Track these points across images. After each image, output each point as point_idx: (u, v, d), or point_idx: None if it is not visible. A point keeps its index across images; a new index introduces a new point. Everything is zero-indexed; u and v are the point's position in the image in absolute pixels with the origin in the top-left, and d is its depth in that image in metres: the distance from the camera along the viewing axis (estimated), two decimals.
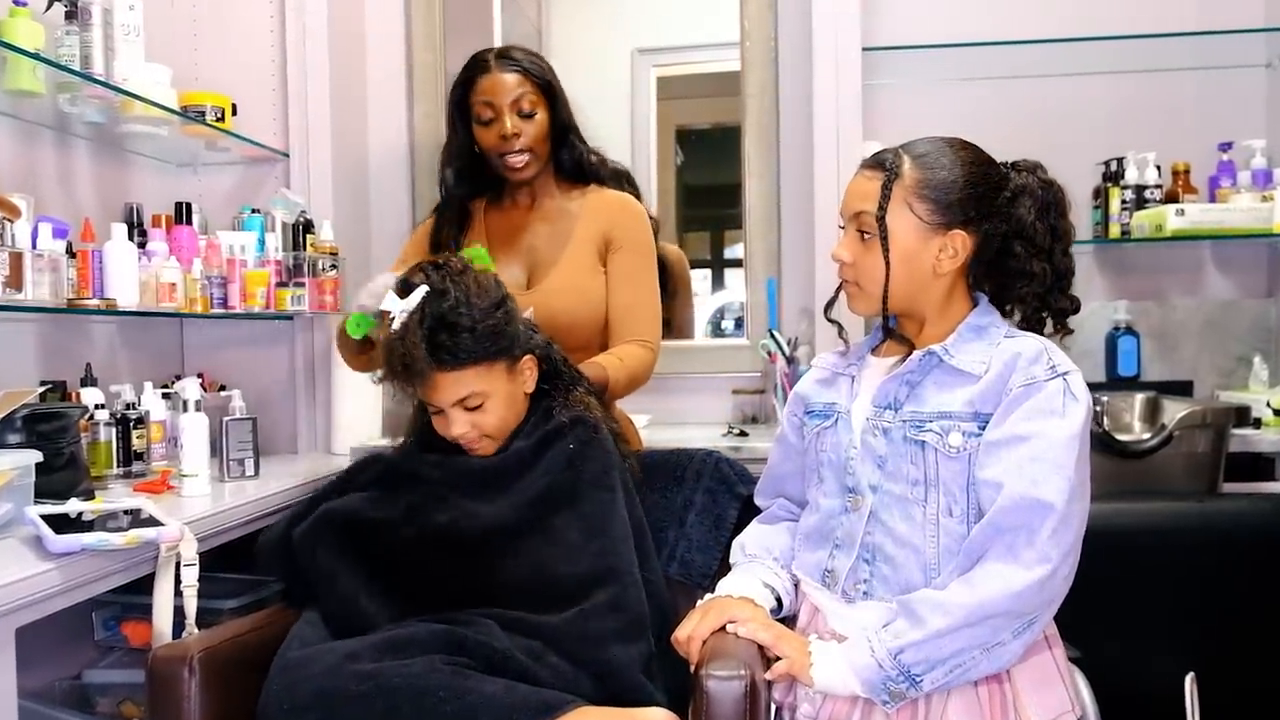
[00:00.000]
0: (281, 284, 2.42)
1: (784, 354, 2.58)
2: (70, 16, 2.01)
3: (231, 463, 2.12)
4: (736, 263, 2.94)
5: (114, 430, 2.06)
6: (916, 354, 1.42)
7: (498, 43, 2.98)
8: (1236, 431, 2.27)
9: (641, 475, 1.77)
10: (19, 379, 2.05)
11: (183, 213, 2.41)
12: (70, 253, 1.95)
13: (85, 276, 1.96)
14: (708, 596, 1.48)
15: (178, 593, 1.58)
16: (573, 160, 2.06)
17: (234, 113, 2.46)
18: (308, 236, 2.46)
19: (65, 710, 2.03)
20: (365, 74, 2.89)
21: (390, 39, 2.90)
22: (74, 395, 2.08)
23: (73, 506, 1.61)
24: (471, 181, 2.09)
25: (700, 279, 3.00)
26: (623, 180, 2.15)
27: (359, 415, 2.51)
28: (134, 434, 2.09)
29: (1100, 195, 2.71)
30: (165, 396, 2.24)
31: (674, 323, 2.86)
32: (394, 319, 1.59)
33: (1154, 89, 2.73)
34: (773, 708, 1.38)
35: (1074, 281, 1.48)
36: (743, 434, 2.50)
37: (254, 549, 1.70)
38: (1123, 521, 1.91)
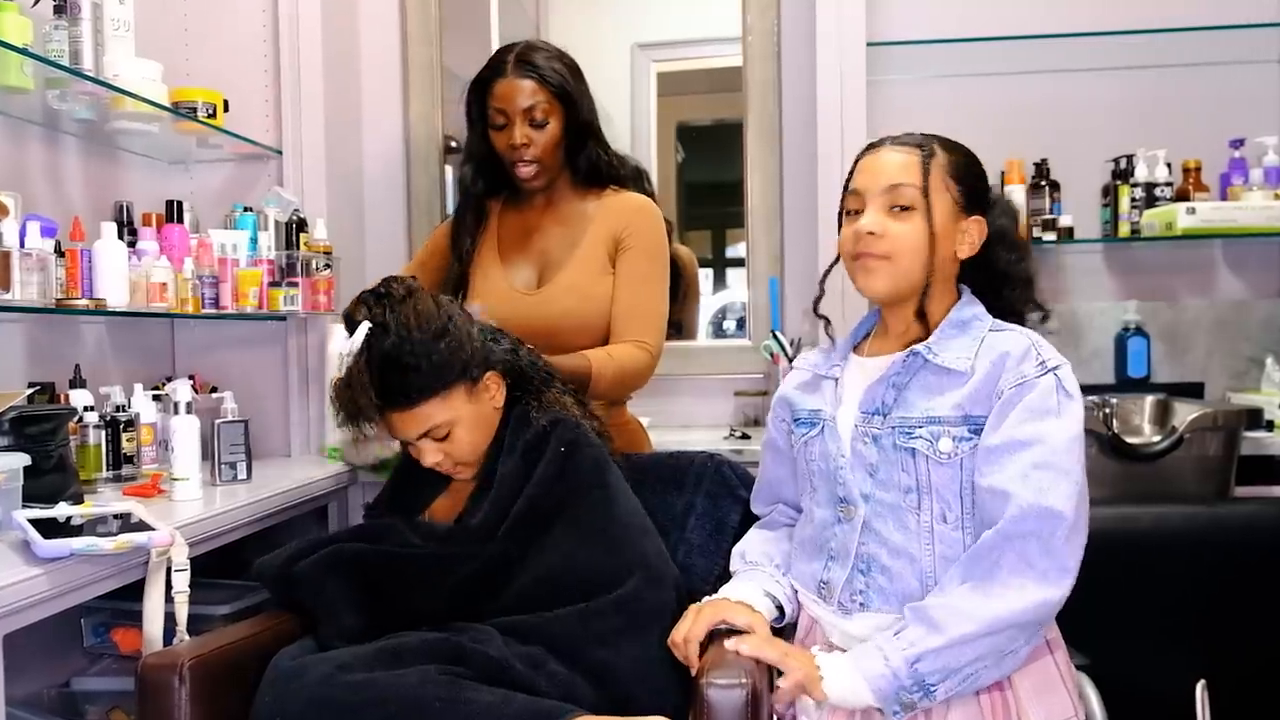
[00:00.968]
0: (274, 284, 2.42)
1: (787, 355, 2.58)
2: (59, 11, 2.01)
3: (223, 466, 2.12)
4: (739, 262, 2.94)
5: (103, 433, 2.06)
6: (899, 355, 1.41)
7: (495, 38, 2.98)
8: (1248, 434, 2.27)
9: (638, 477, 1.77)
10: (6, 381, 2.06)
11: (174, 211, 2.41)
12: (59, 252, 1.95)
13: (74, 276, 1.96)
14: (705, 600, 1.48)
15: (169, 599, 1.58)
16: (589, 164, 2.06)
17: (226, 109, 2.46)
18: (301, 235, 2.46)
19: (54, 719, 2.03)
20: (360, 70, 2.89)
21: (385, 34, 2.90)
22: (63, 397, 2.08)
23: (61, 510, 1.61)
24: (489, 180, 2.10)
25: (701, 278, 3.00)
26: (643, 180, 2.16)
27: None
28: (124, 436, 2.09)
29: (1109, 193, 2.71)
30: (156, 398, 2.24)
31: (684, 324, 2.87)
32: (342, 361, 1.60)
33: (1164, 85, 2.73)
34: (774, 718, 1.38)
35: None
36: (745, 436, 2.50)
37: (254, 573, 1.67)
38: (1133, 526, 1.91)
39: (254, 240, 2.42)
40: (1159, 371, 2.72)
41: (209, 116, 2.39)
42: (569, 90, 2.00)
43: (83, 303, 1.98)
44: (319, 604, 1.56)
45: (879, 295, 1.44)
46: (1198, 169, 2.64)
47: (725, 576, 1.60)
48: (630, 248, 2.01)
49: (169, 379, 2.46)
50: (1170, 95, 2.73)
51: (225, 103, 2.46)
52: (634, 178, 2.13)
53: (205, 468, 2.05)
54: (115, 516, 1.63)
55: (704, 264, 3.02)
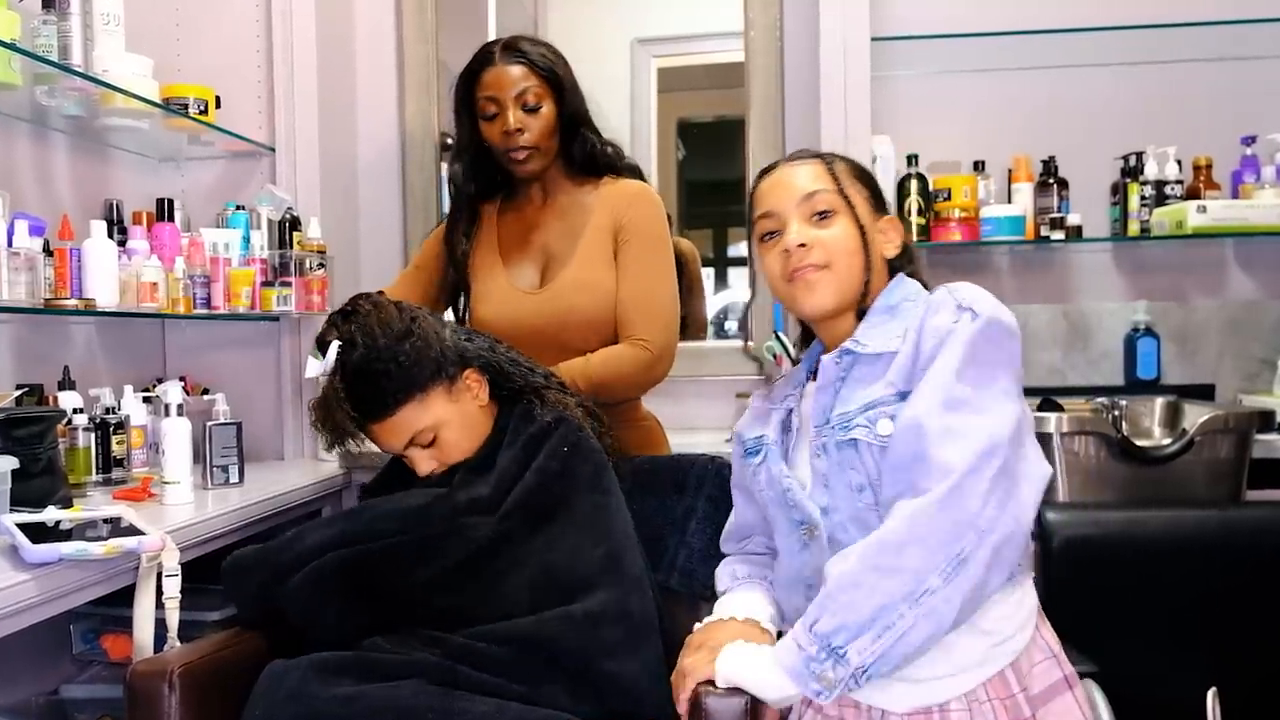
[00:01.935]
0: (267, 283, 2.42)
1: (789, 356, 2.58)
2: (48, 5, 2.01)
3: (215, 469, 2.12)
4: (741, 261, 2.94)
5: (93, 435, 2.06)
6: (829, 359, 1.39)
7: (493, 34, 2.98)
8: (1260, 437, 2.27)
9: (638, 480, 1.77)
10: None
11: (164, 209, 2.41)
12: (47, 251, 1.95)
13: (63, 275, 1.97)
14: (705, 620, 1.44)
15: (159, 605, 1.58)
16: (584, 153, 2.04)
17: (218, 105, 2.46)
18: (294, 234, 2.46)
19: None
20: (354, 65, 2.89)
21: (381, 29, 2.90)
22: (51, 399, 2.08)
23: (50, 515, 1.61)
24: (480, 179, 2.08)
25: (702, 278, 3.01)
26: (639, 175, 2.13)
27: None
28: (114, 439, 2.10)
29: (1118, 191, 2.71)
30: (146, 400, 2.24)
31: (690, 322, 2.85)
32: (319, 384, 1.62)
33: (1174, 80, 2.73)
34: None
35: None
36: None
37: (224, 570, 1.63)
38: (1142, 530, 1.91)
39: (246, 239, 2.42)
40: (1169, 373, 2.72)
41: (200, 113, 2.39)
42: (559, 74, 1.99)
43: (72, 303, 1.98)
44: (307, 620, 1.55)
45: (825, 308, 1.40)
46: (1208, 166, 2.64)
47: None
48: (629, 238, 1.99)
49: (160, 380, 2.47)
50: (1180, 91, 2.73)
51: (217, 99, 2.46)
52: (631, 170, 2.11)
53: (197, 471, 2.05)
54: (105, 521, 1.63)
55: (705, 263, 3.03)
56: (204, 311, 2.30)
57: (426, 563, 1.53)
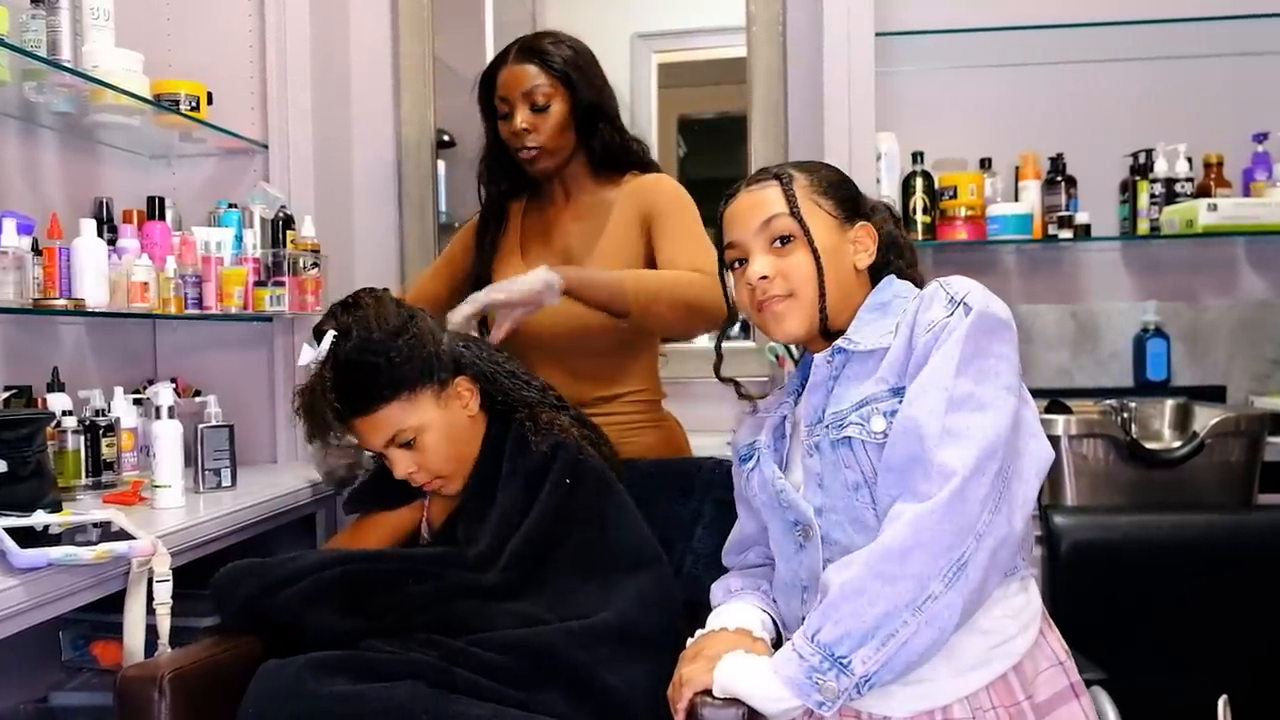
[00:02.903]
0: (260, 283, 2.42)
1: (792, 358, 2.57)
2: (36, 0, 2.01)
3: (207, 473, 2.12)
4: None
5: (82, 438, 2.06)
6: (820, 358, 1.40)
7: (490, 29, 2.99)
8: (1272, 440, 2.28)
9: (645, 485, 1.78)
10: None
11: (155, 207, 2.41)
12: (36, 250, 1.95)
13: (52, 275, 1.97)
14: (700, 633, 1.44)
15: (150, 610, 1.58)
16: (603, 148, 2.03)
17: (210, 102, 2.46)
18: (288, 233, 2.46)
19: None
20: (349, 61, 2.89)
21: (376, 24, 2.90)
22: (40, 401, 2.08)
23: (39, 519, 1.61)
24: (504, 179, 2.09)
25: None
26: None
27: None
28: (104, 442, 2.10)
29: (1128, 189, 2.71)
30: (137, 402, 2.24)
31: None
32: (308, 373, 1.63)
33: (1185, 76, 2.73)
34: None
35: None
36: None
37: (212, 585, 1.64)
38: (1152, 535, 1.91)
39: (239, 238, 2.42)
40: (1179, 374, 2.72)
41: (192, 109, 2.39)
42: (571, 73, 1.98)
43: (61, 303, 1.98)
44: (299, 624, 1.55)
45: (797, 336, 1.41)
46: (1219, 164, 2.65)
47: None
48: (658, 214, 1.98)
49: (150, 382, 2.47)
50: (1191, 87, 2.73)
51: (209, 95, 2.46)
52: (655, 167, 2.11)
53: (188, 474, 2.05)
54: (95, 525, 1.63)
55: None
56: (196, 312, 2.30)
57: (427, 594, 1.55)
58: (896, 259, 1.48)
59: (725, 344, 2.89)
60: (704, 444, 2.11)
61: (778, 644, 1.42)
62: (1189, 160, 2.64)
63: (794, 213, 1.38)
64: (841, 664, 1.20)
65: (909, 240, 1.52)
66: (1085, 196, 2.70)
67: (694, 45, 3.12)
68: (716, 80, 3.08)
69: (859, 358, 1.37)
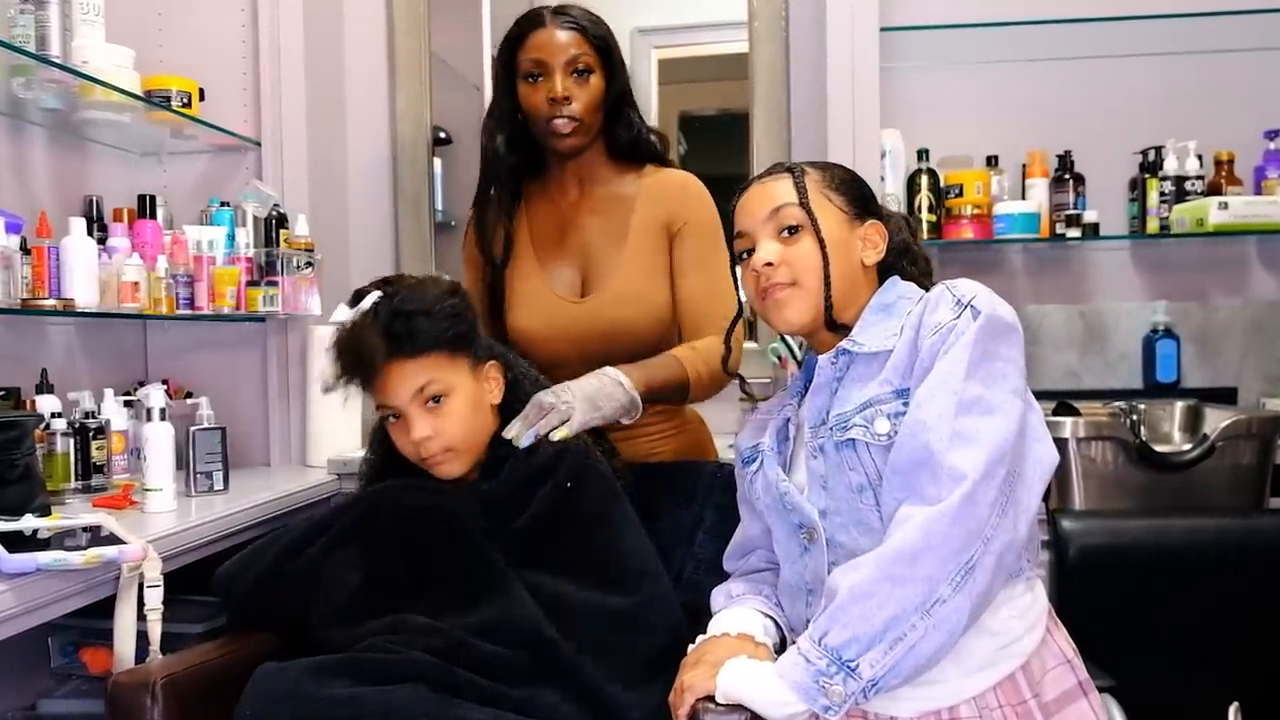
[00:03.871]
0: (253, 283, 2.42)
1: (795, 359, 2.58)
2: None
3: (199, 476, 2.12)
4: None
5: (72, 441, 2.06)
6: (825, 359, 1.41)
7: (488, 24, 2.99)
8: None
9: (647, 490, 1.78)
10: None
11: (146, 206, 2.41)
12: (25, 249, 1.96)
13: (41, 275, 1.97)
14: (701, 639, 1.44)
15: (141, 616, 1.58)
16: (629, 137, 1.97)
17: (201, 98, 2.47)
18: (281, 232, 2.47)
19: None
20: (343, 57, 2.90)
21: (371, 19, 2.90)
22: (29, 403, 2.08)
23: (27, 523, 1.61)
24: (521, 152, 1.98)
25: None
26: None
27: (336, 426, 2.51)
28: (93, 445, 2.10)
29: (1137, 187, 2.71)
30: (127, 404, 2.24)
31: None
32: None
33: (1195, 72, 2.73)
34: None
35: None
36: None
37: (215, 583, 1.67)
38: (1162, 539, 1.91)
39: (231, 237, 2.42)
40: (1189, 376, 2.72)
41: (183, 106, 2.40)
42: (611, 46, 1.93)
43: (50, 303, 1.98)
44: (313, 590, 1.57)
45: (798, 325, 1.42)
46: (1230, 161, 2.65)
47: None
48: (688, 236, 1.92)
49: (141, 384, 2.47)
50: (1202, 83, 2.73)
51: (201, 91, 2.46)
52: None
53: (180, 478, 2.05)
54: (84, 529, 1.63)
55: None
56: (187, 312, 2.31)
57: (446, 530, 1.58)
58: (909, 265, 1.49)
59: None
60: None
61: (781, 649, 1.43)
62: (1199, 158, 2.64)
63: (803, 203, 1.41)
64: (849, 667, 1.21)
65: (925, 252, 1.54)
66: (1093, 195, 2.70)
67: (695, 41, 3.12)
68: (718, 76, 3.08)
69: (863, 359, 1.38)
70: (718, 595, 1.54)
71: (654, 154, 2.01)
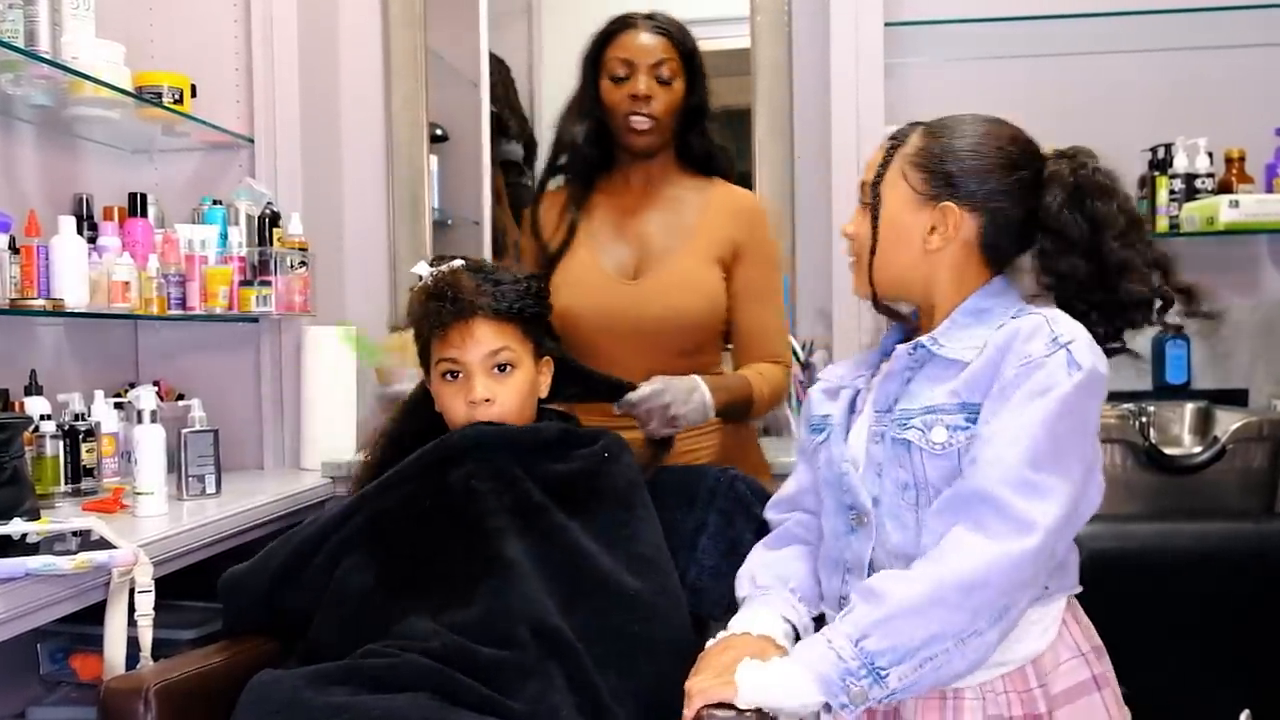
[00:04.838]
0: (246, 283, 2.42)
1: (798, 359, 2.58)
2: None
3: (191, 479, 2.12)
4: None
5: (61, 443, 2.06)
6: (903, 348, 1.42)
7: (484, 19, 3.01)
8: None
9: (653, 494, 1.79)
10: None
11: (137, 204, 2.41)
12: (13, 248, 1.96)
13: (30, 274, 1.97)
14: (720, 635, 1.45)
15: (132, 622, 1.58)
16: (702, 147, 2.06)
17: (194, 94, 2.47)
18: (274, 230, 2.47)
19: None
20: (338, 53, 2.90)
21: (366, 14, 2.90)
22: (17, 405, 2.08)
23: (16, 527, 1.61)
24: (598, 147, 2.06)
25: None
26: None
27: (331, 428, 2.52)
28: (83, 447, 2.10)
29: (1146, 185, 2.71)
30: (118, 406, 2.24)
31: None
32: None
33: (1205, 68, 2.73)
34: None
35: (1148, 272, 1.52)
36: None
37: (221, 585, 1.66)
38: (1171, 543, 1.92)
39: (224, 236, 2.43)
40: (1199, 378, 2.72)
41: (175, 102, 2.40)
42: (697, 58, 2.03)
43: (39, 303, 1.98)
44: (322, 595, 1.57)
45: (860, 294, 1.48)
46: (1241, 159, 2.64)
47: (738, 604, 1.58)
48: (753, 261, 2.01)
49: (132, 385, 2.47)
50: (1212, 79, 2.73)
51: (193, 87, 2.47)
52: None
53: (171, 481, 2.05)
54: (74, 534, 1.63)
55: None
56: (179, 312, 2.31)
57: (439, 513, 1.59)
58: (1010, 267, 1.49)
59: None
60: None
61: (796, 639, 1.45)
62: (1209, 155, 2.64)
63: (877, 179, 1.45)
64: (879, 674, 1.23)
65: (1105, 212, 1.51)
66: None
67: (697, 36, 3.11)
68: (719, 72, 3.04)
69: (940, 362, 1.39)
70: (743, 576, 1.56)
71: (724, 169, 2.09)
